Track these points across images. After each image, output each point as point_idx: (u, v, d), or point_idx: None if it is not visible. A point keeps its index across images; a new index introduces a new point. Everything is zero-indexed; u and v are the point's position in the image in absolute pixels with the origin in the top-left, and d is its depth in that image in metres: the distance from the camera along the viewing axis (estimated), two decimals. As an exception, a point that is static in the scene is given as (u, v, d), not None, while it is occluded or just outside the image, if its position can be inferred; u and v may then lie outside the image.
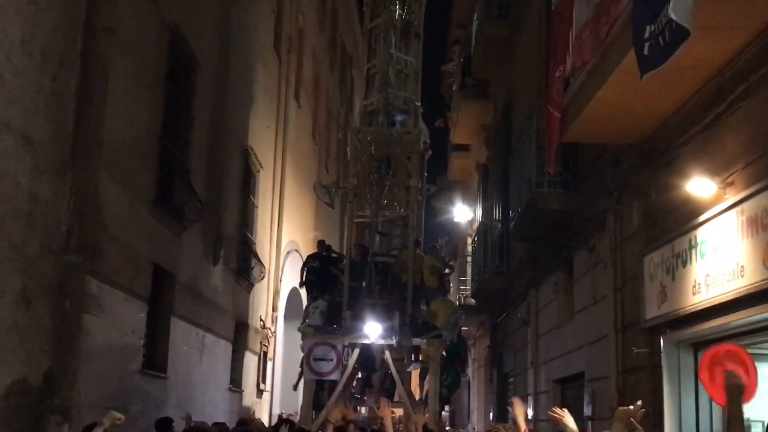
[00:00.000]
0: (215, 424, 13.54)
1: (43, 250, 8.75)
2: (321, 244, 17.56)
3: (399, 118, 16.40)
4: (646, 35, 5.79)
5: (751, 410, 6.98)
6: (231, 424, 13.78)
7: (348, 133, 17.64)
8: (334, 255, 17.26)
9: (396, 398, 15.94)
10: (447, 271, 16.96)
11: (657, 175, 7.78)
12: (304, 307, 22.70)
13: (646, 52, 5.76)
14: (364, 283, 15.27)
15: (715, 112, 6.55)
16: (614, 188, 8.90)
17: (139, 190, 11.71)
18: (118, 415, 6.53)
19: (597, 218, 9.60)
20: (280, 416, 16.73)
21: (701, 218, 6.71)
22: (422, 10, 17.50)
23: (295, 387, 16.95)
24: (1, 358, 7.97)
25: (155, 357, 12.89)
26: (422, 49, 17.49)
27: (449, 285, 22.21)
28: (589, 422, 9.97)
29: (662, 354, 7.55)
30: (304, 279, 16.92)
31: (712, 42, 6.02)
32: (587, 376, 10.28)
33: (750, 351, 7.04)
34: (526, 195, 11.60)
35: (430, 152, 17.50)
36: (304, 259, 18.33)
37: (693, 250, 6.85)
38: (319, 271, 16.34)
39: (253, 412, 17.91)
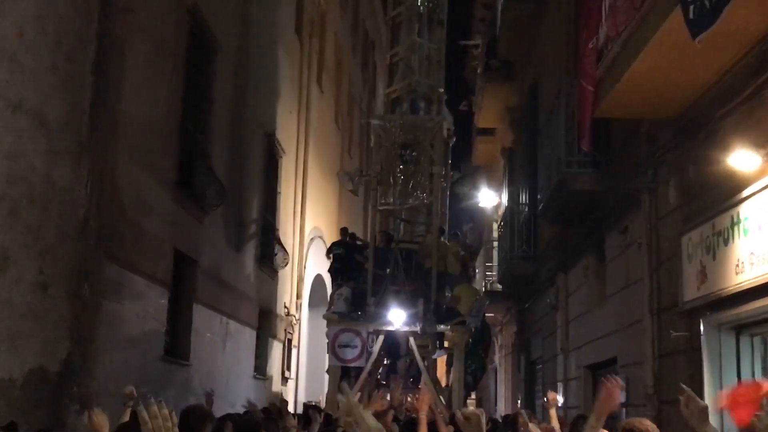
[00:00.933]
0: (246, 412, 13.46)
1: (60, 234, 8.55)
2: (344, 231, 17.57)
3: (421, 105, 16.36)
4: (690, -1, 5.47)
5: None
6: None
7: (371, 120, 17.65)
8: (358, 242, 17.21)
9: (421, 385, 15.79)
10: (470, 256, 16.84)
11: (695, 149, 7.42)
12: (328, 295, 22.62)
13: (691, 15, 5.43)
14: (388, 270, 15.19)
15: (759, 80, 6.18)
16: (649, 165, 8.53)
17: (159, 174, 11.50)
18: (128, 389, 6.78)
19: (630, 198, 9.25)
20: (305, 405, 16.53)
21: (744, 193, 6.36)
22: (446, -3, 17.49)
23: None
24: (18, 346, 7.78)
25: (177, 344, 12.71)
26: (446, 34, 17.39)
27: (474, 271, 22.06)
28: (623, 409, 9.63)
29: (702, 337, 7.21)
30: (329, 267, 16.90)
31: (757, 5, 5.66)
32: (620, 361, 9.95)
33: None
34: (555, 176, 11.26)
35: (454, 139, 17.41)
36: (328, 246, 18.24)
37: (735, 228, 6.50)
38: (343, 258, 16.29)
39: (283, 400, 17.65)
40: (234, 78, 15.39)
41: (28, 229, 7.88)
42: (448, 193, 17.99)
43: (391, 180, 16.00)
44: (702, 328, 7.23)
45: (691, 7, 5.38)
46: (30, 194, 7.87)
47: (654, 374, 8.34)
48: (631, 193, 9.09)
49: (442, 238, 16.10)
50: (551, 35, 14.57)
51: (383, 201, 16.36)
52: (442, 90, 16.81)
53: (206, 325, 13.92)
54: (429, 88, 16.53)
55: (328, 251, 17.12)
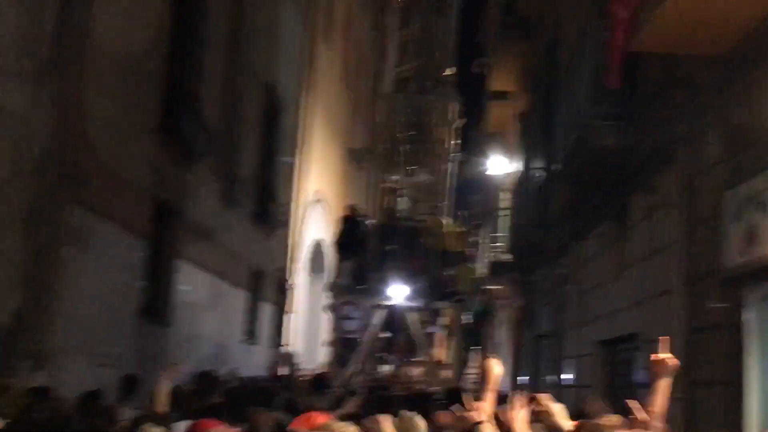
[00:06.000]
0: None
1: (12, 169, 7.53)
2: (349, 207, 17.98)
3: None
4: None
5: None
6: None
7: (379, 99, 17.55)
8: (361, 218, 17.56)
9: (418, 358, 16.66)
10: (471, 237, 18.68)
11: (747, 90, 6.33)
12: (328, 262, 21.88)
13: None
14: (390, 247, 15.76)
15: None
16: (687, 112, 7.43)
17: (137, 114, 10.44)
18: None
19: (661, 153, 8.16)
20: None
21: (812, 137, 5.28)
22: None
23: None
24: (-44, 292, 6.79)
25: (156, 303, 11.71)
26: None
27: (478, 247, 22.23)
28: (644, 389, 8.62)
29: (745, 309, 6.16)
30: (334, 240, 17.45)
31: None
32: (642, 337, 8.90)
33: None
34: (574, 131, 10.15)
35: (460, 120, 17.20)
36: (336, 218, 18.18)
37: (798, 178, 5.43)
38: (347, 232, 16.60)
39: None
40: (229, 20, 14.30)
41: (-30, 159, 6.86)
42: (454, 172, 18.11)
43: (397, 158, 16.28)
44: (746, 299, 6.17)
45: None
46: (-28, 119, 6.83)
47: (684, 352, 7.28)
48: (664, 146, 8.00)
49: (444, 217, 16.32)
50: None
51: (388, 178, 16.65)
52: (450, 71, 16.70)
53: (190, 284, 12.92)
54: (438, 69, 16.48)
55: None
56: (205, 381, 5.88)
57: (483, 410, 4.11)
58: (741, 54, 6.41)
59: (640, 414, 4.11)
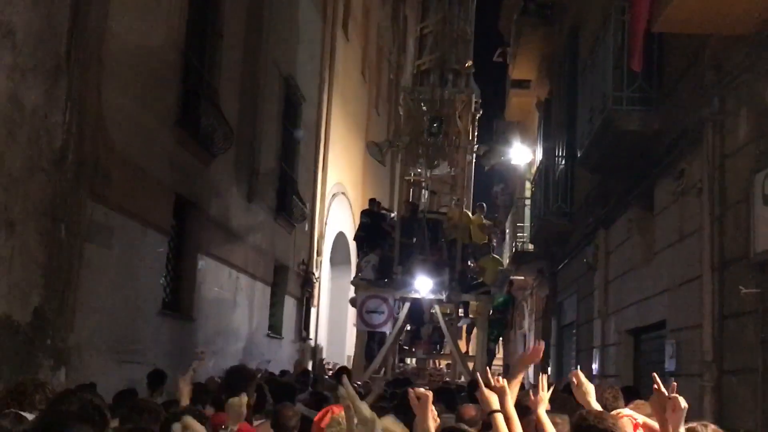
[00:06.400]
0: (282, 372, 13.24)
1: (30, 166, 7.47)
2: (372, 201, 18.03)
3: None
4: None
5: None
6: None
7: (401, 93, 17.60)
8: (384, 212, 17.76)
9: (445, 351, 17.27)
10: (495, 228, 18.18)
11: (776, 70, 6.15)
12: (351, 254, 21.87)
13: None
14: (414, 240, 15.73)
15: None
16: (715, 93, 7.25)
17: (156, 109, 10.38)
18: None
19: (688, 136, 7.97)
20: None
21: None
22: (477, -29, 18.40)
23: None
24: (-24, 290, 6.74)
25: (179, 298, 11.71)
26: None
27: (503, 237, 22.21)
28: (671, 378, 8.45)
29: (778, 294, 6.00)
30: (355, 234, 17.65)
31: None
32: (670, 325, 8.74)
33: None
34: (599, 116, 9.97)
35: (481, 111, 17.93)
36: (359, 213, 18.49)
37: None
38: (369, 226, 16.64)
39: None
40: (247, 13, 14.20)
41: (-13, 156, 6.81)
42: (473, 164, 18.44)
43: (419, 151, 16.35)
44: (779, 283, 6.02)
45: None
46: (-12, 115, 6.78)
47: (713, 339, 7.13)
48: (691, 129, 7.81)
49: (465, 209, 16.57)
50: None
51: (410, 171, 16.96)
52: (470, 63, 17.14)
53: (213, 279, 12.90)
54: (458, 61, 16.83)
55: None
56: (236, 376, 5.93)
57: (498, 398, 4.06)
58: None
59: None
